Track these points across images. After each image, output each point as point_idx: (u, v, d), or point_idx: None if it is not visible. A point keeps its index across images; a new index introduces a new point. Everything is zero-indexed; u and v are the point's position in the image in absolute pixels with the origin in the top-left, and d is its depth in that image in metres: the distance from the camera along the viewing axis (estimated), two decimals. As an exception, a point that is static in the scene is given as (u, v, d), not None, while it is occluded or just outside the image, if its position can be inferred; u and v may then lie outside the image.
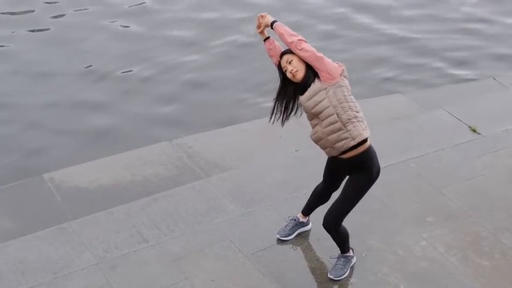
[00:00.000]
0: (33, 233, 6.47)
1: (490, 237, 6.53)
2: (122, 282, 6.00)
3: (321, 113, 5.61)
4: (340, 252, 6.13)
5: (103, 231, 6.50)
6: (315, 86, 5.58)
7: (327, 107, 5.57)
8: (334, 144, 5.66)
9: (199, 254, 6.27)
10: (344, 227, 5.98)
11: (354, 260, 6.19)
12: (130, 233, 6.48)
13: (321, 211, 6.52)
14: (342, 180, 6.01)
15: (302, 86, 5.66)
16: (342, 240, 6.04)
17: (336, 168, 5.96)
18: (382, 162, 7.30)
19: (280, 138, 7.66)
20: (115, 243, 6.37)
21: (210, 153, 7.55)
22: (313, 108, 5.62)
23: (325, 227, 5.94)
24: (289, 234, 6.46)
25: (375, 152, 5.81)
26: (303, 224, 6.48)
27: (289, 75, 5.64)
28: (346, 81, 5.61)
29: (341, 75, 5.58)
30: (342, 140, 5.63)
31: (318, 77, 5.58)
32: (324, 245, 6.35)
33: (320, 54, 5.55)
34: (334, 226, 5.91)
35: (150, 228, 6.53)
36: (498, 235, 6.55)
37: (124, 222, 6.60)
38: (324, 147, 5.78)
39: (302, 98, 5.68)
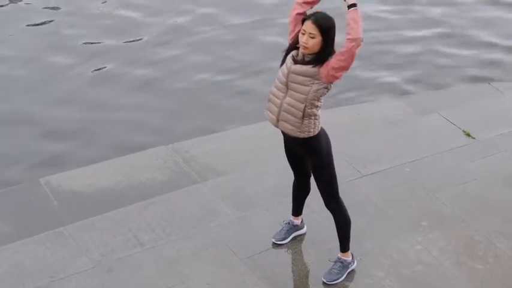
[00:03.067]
0: (30, 237, 6.49)
1: (484, 241, 6.57)
2: (118, 285, 6.03)
3: (293, 91, 5.52)
4: (340, 250, 6.10)
5: (99, 235, 6.53)
6: (311, 70, 5.43)
7: (302, 94, 5.49)
8: (281, 120, 5.63)
9: (195, 257, 6.30)
10: (346, 211, 5.97)
11: (352, 267, 6.18)
12: (126, 237, 6.51)
13: (314, 218, 6.58)
14: (304, 162, 5.95)
15: (302, 57, 5.52)
16: (345, 222, 5.98)
17: (288, 147, 5.93)
18: (377, 166, 7.44)
19: (276, 143, 7.67)
20: (111, 247, 6.40)
21: (206, 158, 7.58)
22: (292, 82, 5.51)
23: (328, 207, 5.94)
24: (284, 238, 6.49)
25: (320, 134, 5.70)
26: (298, 228, 6.51)
27: (300, 41, 5.44)
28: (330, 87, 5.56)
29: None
30: (290, 124, 5.60)
31: (320, 66, 5.43)
32: (320, 248, 6.39)
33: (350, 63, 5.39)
34: (333, 200, 5.89)
35: (146, 232, 6.57)
36: (492, 239, 6.59)
37: (120, 226, 6.63)
38: (269, 109, 5.70)
39: (291, 66, 5.51)
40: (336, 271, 6.09)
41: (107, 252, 6.35)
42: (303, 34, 5.43)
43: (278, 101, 5.61)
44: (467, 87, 9.62)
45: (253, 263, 6.27)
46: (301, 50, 5.50)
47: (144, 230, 6.59)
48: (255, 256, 6.34)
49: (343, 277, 6.10)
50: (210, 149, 7.74)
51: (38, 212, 6.84)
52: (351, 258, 6.17)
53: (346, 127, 8.11)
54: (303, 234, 6.53)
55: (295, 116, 5.55)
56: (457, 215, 6.85)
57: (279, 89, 5.62)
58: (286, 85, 5.56)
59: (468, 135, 8.01)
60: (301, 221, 6.52)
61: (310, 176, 6.07)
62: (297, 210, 6.45)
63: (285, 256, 6.38)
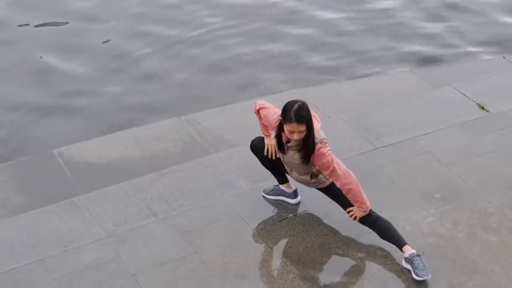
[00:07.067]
0: (44, 206, 6.52)
1: (497, 214, 6.55)
2: (131, 255, 6.05)
3: (295, 171, 6.14)
4: (401, 250, 5.95)
5: (112, 205, 6.55)
6: (307, 166, 5.98)
7: (304, 174, 6.10)
8: (299, 184, 6.32)
9: (207, 228, 6.32)
10: (383, 219, 6.04)
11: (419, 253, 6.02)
12: (139, 207, 6.52)
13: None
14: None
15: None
16: (384, 227, 6.00)
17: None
18: (391, 138, 7.41)
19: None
20: (124, 217, 6.42)
21: (218, 129, 7.58)
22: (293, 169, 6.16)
23: (360, 222, 6.09)
24: (269, 194, 6.62)
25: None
26: (285, 193, 6.56)
27: (292, 139, 5.83)
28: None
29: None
30: (307, 185, 6.23)
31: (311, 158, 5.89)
32: (333, 220, 6.38)
33: (334, 166, 5.85)
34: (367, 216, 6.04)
35: (159, 202, 6.58)
36: (506, 211, 6.57)
37: (133, 196, 6.65)
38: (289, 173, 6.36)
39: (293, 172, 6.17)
40: (422, 265, 5.87)
41: (120, 222, 6.36)
42: (292, 133, 5.76)
43: (289, 174, 6.29)
44: (481, 60, 9.57)
45: (266, 234, 6.28)
46: (293, 143, 5.90)
47: (157, 200, 6.60)
48: (268, 227, 6.35)
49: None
50: (223, 121, 7.73)
51: (51, 183, 6.87)
52: (412, 249, 5.96)
53: (360, 99, 8.08)
54: (294, 204, 6.55)
55: (307, 182, 6.16)
56: (471, 187, 6.83)
57: (284, 165, 6.20)
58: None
59: (482, 108, 7.96)
60: (294, 191, 6.55)
61: None
62: (280, 178, 6.52)
63: (298, 227, 6.37)
